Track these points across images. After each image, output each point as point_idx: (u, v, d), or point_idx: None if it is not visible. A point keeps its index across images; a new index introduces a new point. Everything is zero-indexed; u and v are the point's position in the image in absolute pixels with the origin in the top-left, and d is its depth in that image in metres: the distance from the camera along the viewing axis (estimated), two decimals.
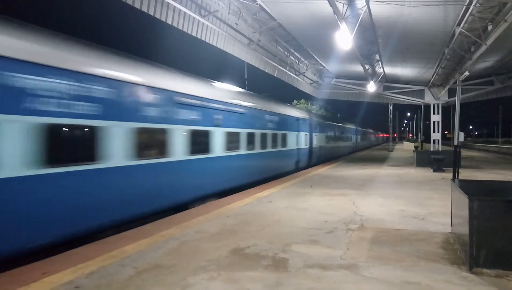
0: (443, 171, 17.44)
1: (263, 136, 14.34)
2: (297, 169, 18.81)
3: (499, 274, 4.46)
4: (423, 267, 4.80)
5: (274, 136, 15.54)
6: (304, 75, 24.91)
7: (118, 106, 7.05)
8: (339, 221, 7.46)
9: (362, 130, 53.81)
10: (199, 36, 14.12)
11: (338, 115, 53.00)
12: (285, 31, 16.98)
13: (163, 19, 12.17)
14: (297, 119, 19.20)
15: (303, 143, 20.17)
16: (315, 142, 22.82)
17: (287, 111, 18.02)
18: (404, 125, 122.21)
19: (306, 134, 20.76)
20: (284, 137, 16.81)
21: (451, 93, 24.60)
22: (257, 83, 47.77)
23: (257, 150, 13.73)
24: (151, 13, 11.60)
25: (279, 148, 16.16)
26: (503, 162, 25.81)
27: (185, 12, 12.57)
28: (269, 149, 14.93)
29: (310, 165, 21.37)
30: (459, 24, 13.59)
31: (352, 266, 4.83)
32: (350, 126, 39.72)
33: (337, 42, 12.32)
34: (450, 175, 12.70)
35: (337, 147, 30.95)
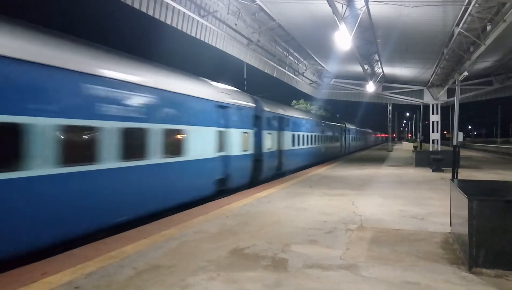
0: (442, 171, 17.46)
1: (109, 133, 6.88)
2: (225, 191, 11.38)
3: (499, 274, 4.46)
4: (423, 267, 4.81)
5: (144, 135, 7.87)
6: (303, 75, 24.93)
7: None
8: (339, 221, 7.46)
9: (355, 129, 45.76)
10: (198, 36, 14.12)
11: (338, 115, 52.71)
12: (284, 31, 16.99)
13: (162, 19, 12.17)
14: (223, 106, 11.47)
15: (239, 147, 12.60)
16: (268, 145, 15.48)
17: (193, 89, 10.06)
18: (403, 125, 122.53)
19: (246, 133, 13.24)
20: (179, 136, 9.33)
21: (450, 93, 24.65)
22: (256, 83, 47.85)
23: (88, 165, 6.44)
24: (150, 13, 11.59)
25: (160, 159, 8.33)
26: (502, 162, 25.85)
27: (184, 13, 12.57)
28: (128, 163, 7.38)
29: (257, 181, 13.92)
30: (458, 25, 13.61)
31: (351, 266, 4.83)
32: (336, 124, 32.64)
33: (336, 42, 12.35)
34: (449, 175, 12.70)
35: (313, 150, 23.22)
